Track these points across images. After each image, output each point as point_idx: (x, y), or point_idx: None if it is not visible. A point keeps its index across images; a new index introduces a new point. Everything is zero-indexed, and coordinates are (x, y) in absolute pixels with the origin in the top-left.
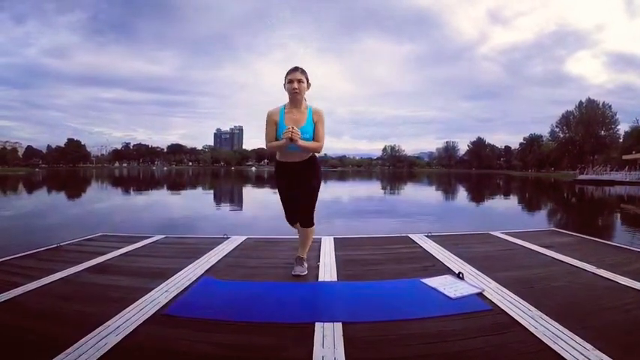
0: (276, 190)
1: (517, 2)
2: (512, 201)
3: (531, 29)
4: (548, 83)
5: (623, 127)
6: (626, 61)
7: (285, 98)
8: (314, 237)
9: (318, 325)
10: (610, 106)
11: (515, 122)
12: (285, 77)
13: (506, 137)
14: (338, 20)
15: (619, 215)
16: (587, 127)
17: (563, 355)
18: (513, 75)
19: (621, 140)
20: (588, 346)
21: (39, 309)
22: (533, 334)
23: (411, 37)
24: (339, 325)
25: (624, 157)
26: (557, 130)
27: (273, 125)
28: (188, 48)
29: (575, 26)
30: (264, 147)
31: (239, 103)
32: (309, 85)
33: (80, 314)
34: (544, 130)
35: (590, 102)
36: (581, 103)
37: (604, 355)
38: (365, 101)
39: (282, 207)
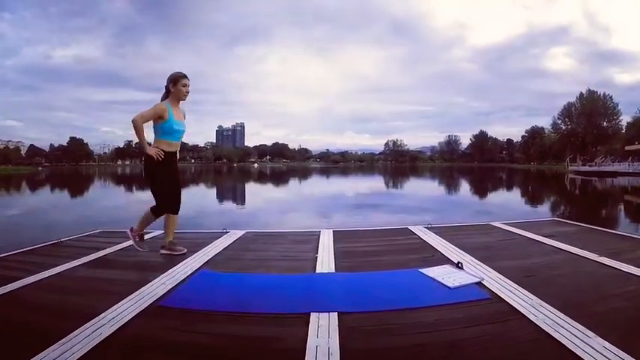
0: (163, 181)
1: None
2: (515, 193)
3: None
4: (549, 76)
5: (625, 119)
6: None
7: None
8: (312, 230)
9: (313, 315)
10: (611, 97)
11: (516, 115)
12: (179, 80)
13: (508, 130)
14: (334, 25)
15: (612, 203)
16: (589, 119)
17: (563, 342)
18: (509, 70)
19: (624, 131)
20: (590, 333)
21: (37, 302)
22: (533, 322)
23: (405, 39)
24: (334, 315)
25: (627, 148)
26: (559, 122)
27: (157, 115)
28: (191, 52)
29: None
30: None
31: (240, 101)
32: None
33: (77, 307)
34: (547, 122)
35: (591, 93)
36: (581, 94)
37: (606, 342)
38: (365, 97)
39: (163, 196)
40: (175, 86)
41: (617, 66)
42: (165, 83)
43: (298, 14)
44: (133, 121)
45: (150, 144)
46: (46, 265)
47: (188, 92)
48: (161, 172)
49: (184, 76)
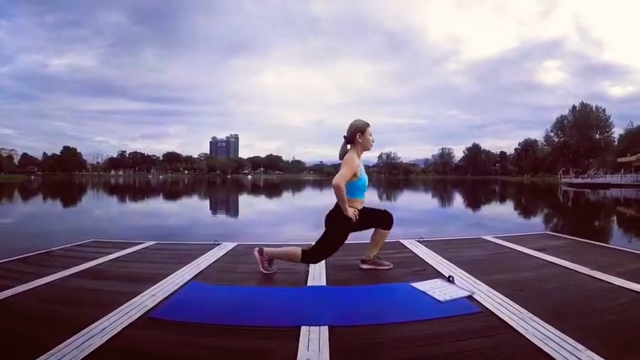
0: (342, 238)
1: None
2: (508, 206)
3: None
4: (542, 89)
5: (617, 131)
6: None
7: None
8: (304, 242)
9: (303, 329)
10: (604, 110)
11: (509, 128)
12: (366, 129)
13: (501, 142)
14: (329, 38)
15: (603, 215)
16: (582, 131)
17: (553, 356)
18: (502, 83)
19: (616, 143)
20: (580, 346)
21: (27, 311)
22: (523, 335)
23: (399, 52)
24: (325, 329)
25: (619, 159)
26: (552, 134)
27: (353, 173)
28: (186, 63)
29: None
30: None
31: (234, 112)
32: None
33: (66, 317)
34: (540, 135)
35: (584, 106)
36: (574, 107)
37: (596, 355)
38: (359, 110)
39: (331, 250)
40: (363, 136)
41: (609, 79)
42: (157, 94)
43: (294, 27)
44: (337, 186)
45: None
46: (37, 275)
47: (374, 141)
48: (347, 230)
49: (369, 125)
